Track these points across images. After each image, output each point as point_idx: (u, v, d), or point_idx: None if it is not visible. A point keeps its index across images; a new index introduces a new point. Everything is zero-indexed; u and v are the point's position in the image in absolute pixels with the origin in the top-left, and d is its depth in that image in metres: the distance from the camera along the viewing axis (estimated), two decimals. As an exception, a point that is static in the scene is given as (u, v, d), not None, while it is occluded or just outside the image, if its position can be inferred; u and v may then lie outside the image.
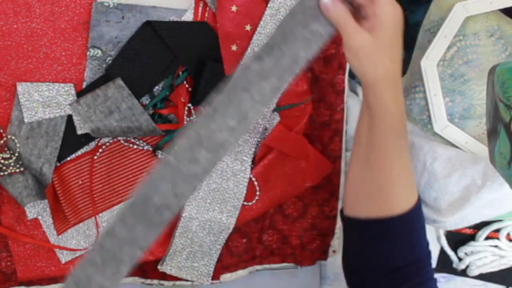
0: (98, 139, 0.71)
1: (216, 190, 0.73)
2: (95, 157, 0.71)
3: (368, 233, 0.62)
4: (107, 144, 0.71)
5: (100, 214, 0.73)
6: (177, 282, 0.77)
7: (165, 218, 0.65)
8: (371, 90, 0.57)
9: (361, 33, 0.54)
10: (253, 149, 0.74)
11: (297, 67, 0.63)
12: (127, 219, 0.64)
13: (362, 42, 0.54)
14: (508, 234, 0.83)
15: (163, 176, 0.64)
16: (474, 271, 0.83)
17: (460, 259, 0.84)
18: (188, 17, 0.70)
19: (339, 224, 0.79)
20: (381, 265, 0.62)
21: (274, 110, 0.74)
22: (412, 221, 0.62)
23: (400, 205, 0.61)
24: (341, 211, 0.67)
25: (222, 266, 0.77)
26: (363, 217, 0.62)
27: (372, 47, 0.54)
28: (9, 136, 0.69)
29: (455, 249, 0.84)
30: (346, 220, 0.65)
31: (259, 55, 0.63)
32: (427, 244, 0.63)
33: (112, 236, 0.64)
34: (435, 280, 0.63)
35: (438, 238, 0.84)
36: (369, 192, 0.61)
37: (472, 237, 0.84)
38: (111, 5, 0.68)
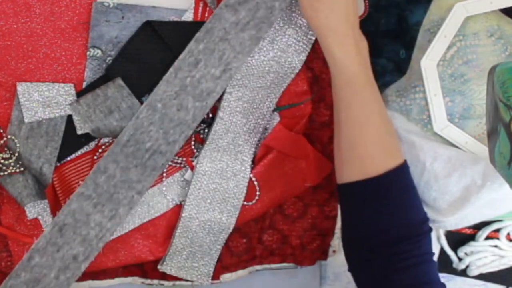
0: (98, 139, 0.71)
1: (216, 190, 0.73)
2: (95, 157, 0.71)
3: (353, 198, 0.63)
4: (107, 144, 0.71)
5: (100, 214, 0.73)
6: (177, 282, 0.77)
7: (159, 164, 0.67)
8: (321, 43, 0.63)
9: None
10: (253, 149, 0.74)
11: (273, 17, 0.67)
12: (120, 161, 0.65)
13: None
14: (508, 234, 0.83)
15: (152, 121, 0.65)
16: (474, 271, 0.83)
17: (460, 259, 0.84)
18: (188, 17, 0.70)
19: (339, 224, 0.79)
20: (371, 234, 0.61)
21: (274, 110, 0.74)
22: (393, 184, 0.62)
23: (375, 166, 0.61)
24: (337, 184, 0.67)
25: (222, 266, 0.77)
26: (346, 182, 0.63)
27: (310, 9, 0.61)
28: (9, 136, 0.69)
29: (455, 249, 0.84)
30: (338, 190, 0.66)
31: (232, 6, 0.65)
32: (421, 218, 0.63)
33: (106, 175, 0.65)
34: (433, 263, 0.62)
35: (438, 238, 0.84)
36: (345, 155, 0.62)
37: (472, 237, 0.84)
38: (111, 5, 0.68)
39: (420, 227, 0.62)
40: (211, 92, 0.68)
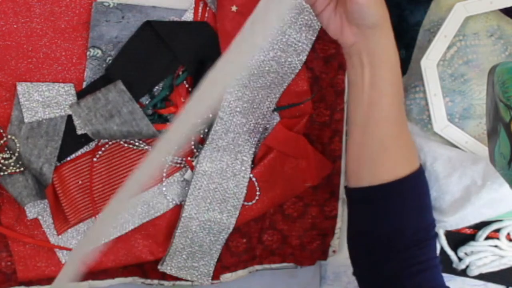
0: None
1: (216, 190, 0.73)
2: (95, 159, 0.71)
3: (372, 201, 0.62)
4: (107, 144, 0.71)
5: (100, 214, 0.73)
6: (177, 282, 0.77)
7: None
8: (375, 34, 0.59)
9: None
10: (253, 149, 0.74)
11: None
12: None
13: None
14: (508, 234, 0.83)
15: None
16: (474, 271, 0.83)
17: (460, 259, 0.84)
18: (188, 17, 0.70)
19: (339, 224, 0.79)
20: (384, 239, 0.61)
21: (274, 110, 0.74)
22: (415, 186, 0.61)
23: (405, 168, 0.60)
24: (345, 187, 0.66)
25: (222, 266, 0.77)
26: (367, 185, 0.61)
27: None
28: (9, 136, 0.69)
29: (455, 249, 0.84)
30: (352, 192, 0.64)
31: None
32: (431, 222, 0.63)
33: None
34: (439, 268, 0.62)
35: (438, 238, 0.84)
36: (372, 158, 0.61)
37: (472, 237, 0.84)
38: (111, 5, 0.68)
39: (429, 231, 0.62)
40: None
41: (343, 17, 0.61)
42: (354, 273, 0.64)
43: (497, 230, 0.83)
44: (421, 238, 0.61)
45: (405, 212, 0.61)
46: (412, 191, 0.61)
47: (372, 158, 0.61)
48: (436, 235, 0.63)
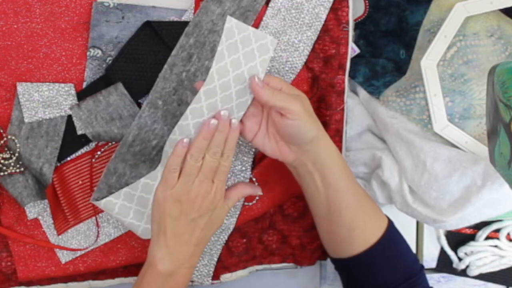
0: (98, 139, 0.71)
1: (216, 190, 0.73)
2: (94, 160, 0.71)
3: (354, 268, 0.67)
4: (107, 145, 0.71)
5: (100, 214, 0.73)
6: (177, 282, 0.77)
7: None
8: (314, 146, 0.63)
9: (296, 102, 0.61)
10: (253, 149, 0.74)
11: (258, 5, 0.68)
12: (128, 159, 0.66)
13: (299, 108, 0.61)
14: (508, 234, 0.83)
15: (155, 119, 0.66)
16: (474, 271, 0.83)
17: (460, 259, 0.84)
18: (188, 17, 0.70)
19: (339, 224, 0.79)
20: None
21: (274, 110, 0.74)
22: (392, 240, 0.66)
23: (376, 232, 0.65)
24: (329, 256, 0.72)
25: (222, 266, 0.77)
26: (346, 257, 0.66)
27: (305, 112, 0.61)
28: (9, 136, 0.69)
29: (455, 249, 0.84)
30: (334, 261, 0.70)
31: None
32: (412, 262, 0.67)
33: (117, 174, 0.66)
34: None
35: (438, 238, 0.84)
36: (343, 239, 0.66)
37: (472, 237, 0.84)
38: (111, 5, 0.68)
39: (415, 273, 0.66)
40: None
41: (278, 139, 0.64)
42: None
43: (497, 230, 0.83)
44: (411, 281, 0.65)
45: (390, 267, 0.65)
46: (390, 245, 0.66)
47: (344, 239, 0.66)
48: (422, 267, 0.68)
